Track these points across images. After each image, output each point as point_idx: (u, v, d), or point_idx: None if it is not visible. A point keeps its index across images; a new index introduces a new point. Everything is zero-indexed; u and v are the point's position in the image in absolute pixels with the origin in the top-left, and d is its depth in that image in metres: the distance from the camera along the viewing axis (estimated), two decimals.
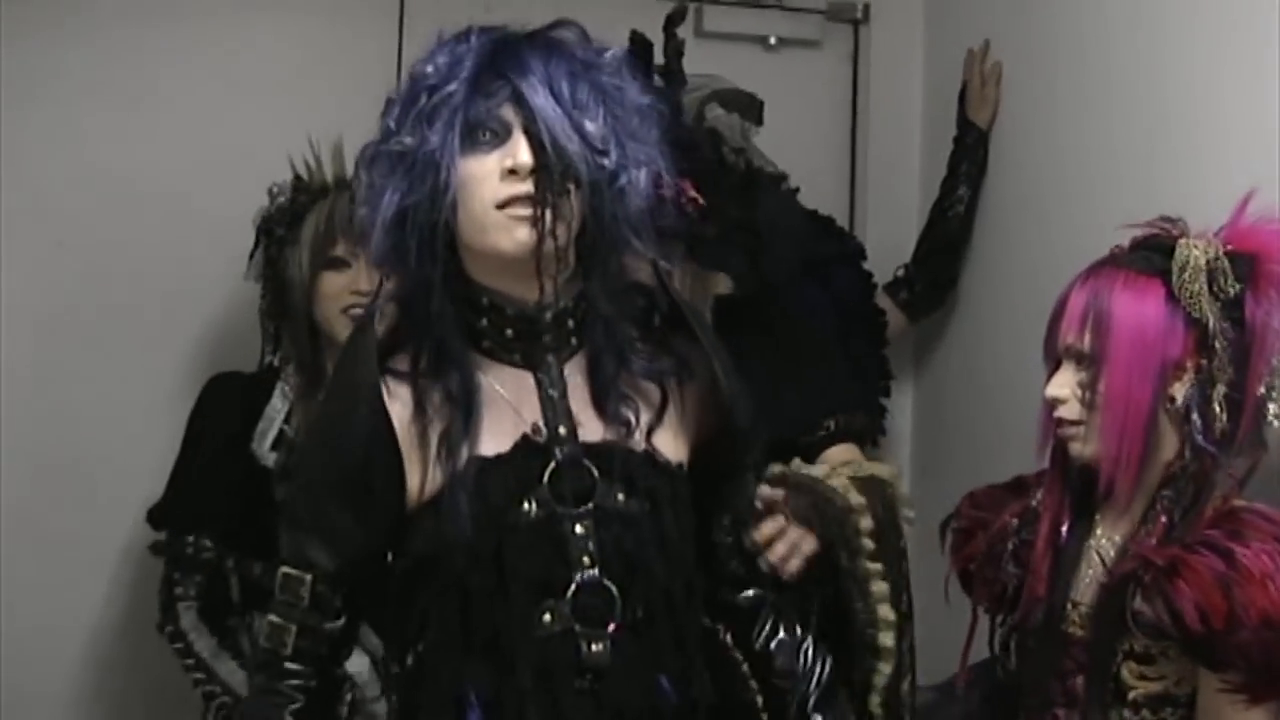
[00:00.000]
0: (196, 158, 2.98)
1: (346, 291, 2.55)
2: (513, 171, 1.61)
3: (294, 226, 2.58)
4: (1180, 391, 1.86)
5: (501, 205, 1.62)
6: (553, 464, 1.70)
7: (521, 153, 1.61)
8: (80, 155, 2.96)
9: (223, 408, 2.61)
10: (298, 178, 2.65)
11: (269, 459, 2.56)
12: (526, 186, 1.61)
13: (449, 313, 1.68)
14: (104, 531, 2.94)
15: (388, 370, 1.72)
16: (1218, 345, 1.85)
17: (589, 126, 1.63)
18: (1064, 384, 1.91)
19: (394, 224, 1.64)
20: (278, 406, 2.60)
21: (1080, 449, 1.92)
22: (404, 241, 1.64)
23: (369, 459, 1.67)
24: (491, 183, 1.62)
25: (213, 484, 2.57)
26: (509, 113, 1.63)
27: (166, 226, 2.97)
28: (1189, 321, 1.85)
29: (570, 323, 1.74)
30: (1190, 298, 1.85)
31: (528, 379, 1.73)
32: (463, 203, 1.63)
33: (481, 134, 1.63)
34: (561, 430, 1.72)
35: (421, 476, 1.69)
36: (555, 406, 1.72)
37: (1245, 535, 1.76)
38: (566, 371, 1.74)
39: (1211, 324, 1.84)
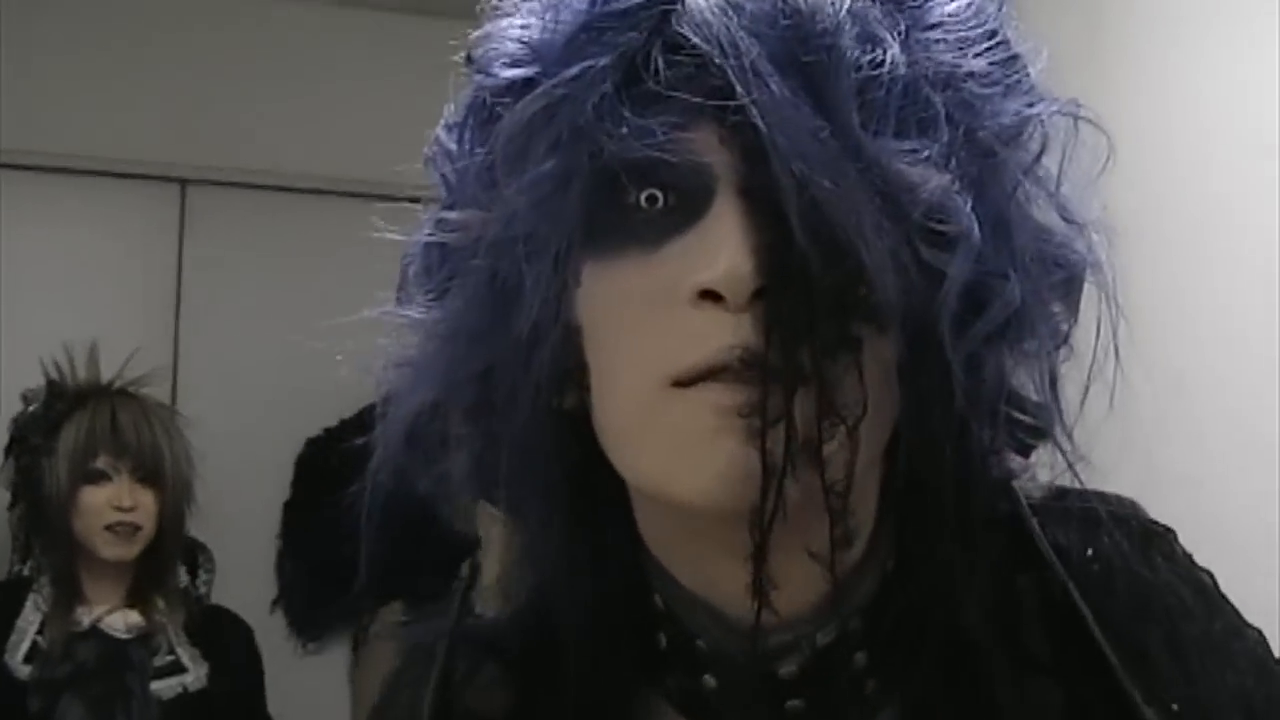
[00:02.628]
0: None
1: (109, 507, 2.48)
2: (709, 295, 0.64)
3: (50, 435, 2.51)
4: None
5: (686, 380, 0.65)
6: None
7: (729, 249, 0.63)
8: None
9: None
10: (51, 383, 2.59)
11: (22, 672, 2.44)
12: (746, 335, 0.63)
13: (594, 611, 0.74)
14: None
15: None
16: None
17: (909, 173, 0.64)
18: None
19: (460, 406, 0.74)
20: (30, 618, 2.49)
21: None
22: (488, 449, 0.74)
23: None
24: (660, 324, 0.66)
25: None
26: (705, 143, 0.65)
27: None
28: None
29: (859, 658, 0.71)
30: None
31: None
32: (598, 366, 0.69)
33: (640, 196, 0.66)
34: None
35: None
36: None
37: None
38: None
39: None
